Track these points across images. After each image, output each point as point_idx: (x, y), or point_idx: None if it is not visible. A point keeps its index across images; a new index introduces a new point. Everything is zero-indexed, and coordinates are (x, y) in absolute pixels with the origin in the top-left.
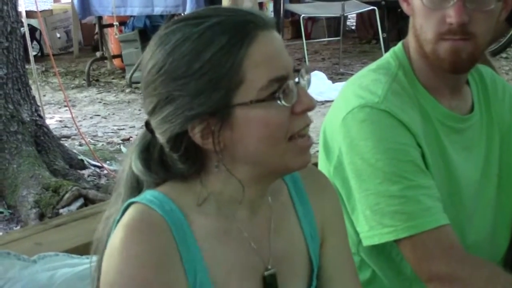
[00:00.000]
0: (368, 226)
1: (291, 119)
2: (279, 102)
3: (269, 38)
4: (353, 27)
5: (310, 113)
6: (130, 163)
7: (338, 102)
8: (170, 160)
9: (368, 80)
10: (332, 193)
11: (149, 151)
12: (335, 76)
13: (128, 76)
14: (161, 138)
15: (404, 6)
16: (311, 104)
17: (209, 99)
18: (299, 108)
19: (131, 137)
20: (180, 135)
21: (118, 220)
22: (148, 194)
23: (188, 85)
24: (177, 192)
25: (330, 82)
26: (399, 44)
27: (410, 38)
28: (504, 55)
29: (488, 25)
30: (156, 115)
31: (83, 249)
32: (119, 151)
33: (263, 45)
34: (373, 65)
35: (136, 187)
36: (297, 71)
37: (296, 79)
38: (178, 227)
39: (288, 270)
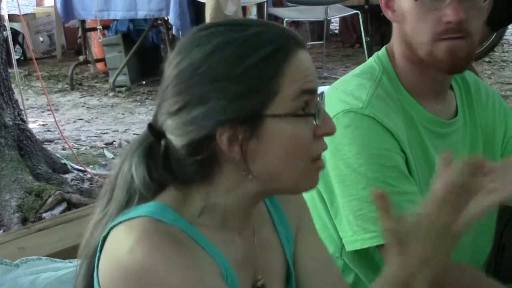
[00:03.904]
0: (351, 231)
1: (312, 141)
2: (314, 121)
3: (306, 56)
4: (336, 31)
5: None
6: (129, 168)
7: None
8: (177, 165)
9: (352, 85)
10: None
11: (152, 155)
12: (319, 80)
13: (111, 80)
14: (178, 140)
15: (389, 14)
16: (334, 128)
17: (244, 106)
18: (321, 131)
19: (114, 141)
20: (204, 138)
21: (104, 238)
22: (143, 208)
23: (227, 88)
24: (173, 203)
25: None
26: (383, 49)
27: (395, 44)
28: (486, 59)
29: (480, 23)
30: (181, 115)
31: (66, 253)
32: (102, 155)
33: (301, 62)
34: (357, 70)
35: (129, 198)
36: None
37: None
38: (189, 230)
39: (271, 277)
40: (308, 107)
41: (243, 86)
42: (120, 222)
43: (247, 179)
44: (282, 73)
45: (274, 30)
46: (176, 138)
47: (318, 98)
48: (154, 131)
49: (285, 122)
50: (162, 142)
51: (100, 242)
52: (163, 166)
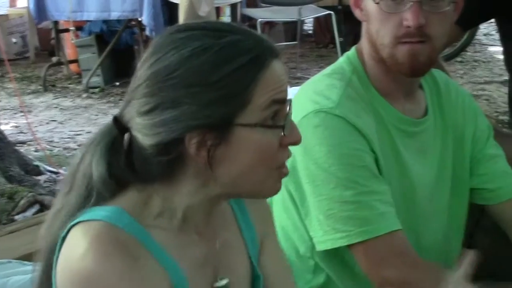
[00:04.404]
0: (322, 231)
1: (278, 150)
2: (282, 133)
3: (280, 66)
4: (310, 32)
5: None
6: (90, 162)
7: (294, 106)
8: (141, 163)
9: (322, 85)
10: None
11: (115, 150)
12: (293, 80)
13: (85, 81)
14: (145, 139)
15: (357, 13)
16: (299, 139)
17: (215, 113)
18: (288, 141)
19: None
20: (173, 141)
21: (64, 237)
22: (99, 211)
23: (200, 95)
24: (130, 205)
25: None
26: (353, 49)
27: (364, 43)
28: (459, 59)
29: (443, 27)
30: (151, 115)
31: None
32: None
33: (275, 72)
34: (327, 70)
35: (88, 195)
36: None
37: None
38: (141, 236)
39: (234, 278)
40: (277, 116)
41: (216, 93)
42: (78, 222)
43: (211, 182)
44: (256, 84)
45: (251, 39)
46: (143, 137)
47: (287, 108)
48: (120, 125)
49: (254, 131)
50: (126, 137)
51: (59, 241)
52: (125, 163)
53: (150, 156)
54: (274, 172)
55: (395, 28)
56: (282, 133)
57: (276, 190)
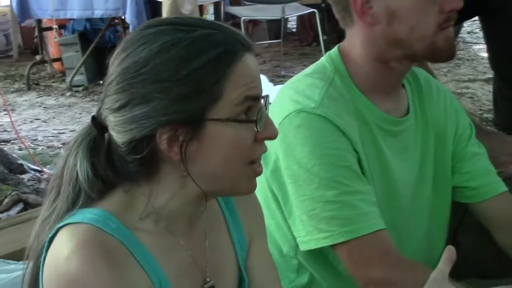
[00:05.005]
0: (305, 231)
1: (253, 145)
2: (255, 128)
3: (252, 61)
4: (294, 30)
5: None
6: (74, 164)
7: (275, 106)
8: (119, 161)
9: (304, 84)
10: (255, 199)
11: (95, 149)
12: (276, 78)
13: (68, 79)
14: (119, 137)
15: (367, 19)
16: (275, 134)
17: (186, 108)
18: (263, 135)
19: None
20: (145, 138)
21: (51, 238)
22: (87, 213)
23: (170, 90)
24: (117, 207)
25: (271, 84)
26: (335, 49)
27: (360, 46)
28: None
29: None
30: (122, 112)
31: (20, 255)
32: (59, 155)
33: (247, 66)
34: (308, 69)
35: (76, 196)
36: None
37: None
38: (128, 241)
39: (222, 280)
40: (251, 111)
41: (186, 88)
42: (66, 224)
43: (187, 180)
44: (227, 78)
45: (222, 33)
46: (117, 134)
47: (262, 102)
48: (98, 124)
49: (226, 126)
50: (106, 135)
51: (46, 243)
52: (106, 161)
53: (124, 154)
54: (246, 167)
55: (437, 15)
56: (255, 128)
57: (251, 189)
